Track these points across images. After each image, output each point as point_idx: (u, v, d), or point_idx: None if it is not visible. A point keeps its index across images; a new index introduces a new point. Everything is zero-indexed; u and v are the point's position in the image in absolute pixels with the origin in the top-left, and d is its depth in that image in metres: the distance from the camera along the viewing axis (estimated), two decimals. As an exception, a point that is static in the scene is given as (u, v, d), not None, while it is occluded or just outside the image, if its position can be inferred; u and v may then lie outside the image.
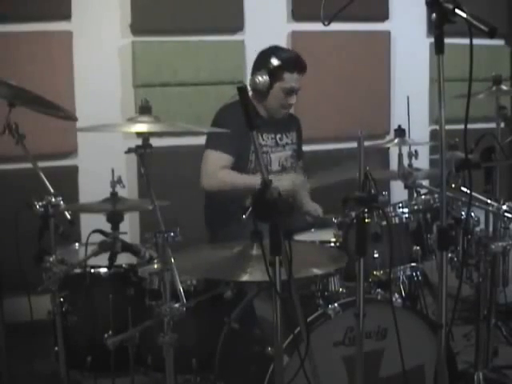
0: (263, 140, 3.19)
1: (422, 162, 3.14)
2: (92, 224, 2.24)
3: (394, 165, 4.04)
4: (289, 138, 3.33)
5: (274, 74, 3.07)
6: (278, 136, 3.28)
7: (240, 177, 3.07)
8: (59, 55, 3.80)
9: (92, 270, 2.63)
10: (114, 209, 2.39)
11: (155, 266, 2.48)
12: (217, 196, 3.11)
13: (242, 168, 3.12)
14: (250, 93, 3.11)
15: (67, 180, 3.79)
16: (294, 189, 3.10)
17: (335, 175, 2.95)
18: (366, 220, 1.87)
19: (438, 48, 1.66)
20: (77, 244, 2.93)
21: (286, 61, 3.09)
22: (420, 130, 4.00)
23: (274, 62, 3.06)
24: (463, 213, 2.63)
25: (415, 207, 2.69)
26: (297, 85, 3.14)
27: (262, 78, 3.06)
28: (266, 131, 3.21)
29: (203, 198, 3.25)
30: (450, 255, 2.57)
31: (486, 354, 2.82)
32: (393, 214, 2.63)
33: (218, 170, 3.05)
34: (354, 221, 1.89)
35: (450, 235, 1.80)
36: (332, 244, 2.57)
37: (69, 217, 2.47)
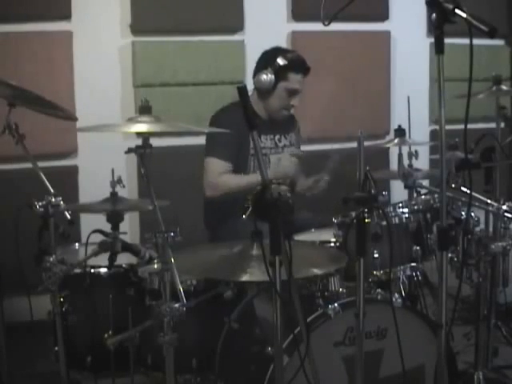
0: (262, 142, 3.19)
1: (422, 162, 3.15)
2: (92, 224, 2.24)
3: (394, 165, 4.05)
4: (287, 140, 3.33)
5: (279, 74, 3.08)
6: (277, 137, 3.29)
7: (241, 178, 3.09)
8: (59, 55, 3.80)
9: (92, 270, 2.63)
10: (114, 209, 2.39)
11: (155, 266, 2.48)
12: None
13: (241, 173, 3.13)
14: (251, 92, 3.12)
15: (67, 180, 3.79)
16: (294, 169, 3.12)
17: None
18: (366, 220, 1.88)
19: (438, 48, 1.66)
20: (77, 244, 2.94)
21: (292, 61, 3.09)
22: (420, 130, 4.00)
23: (281, 61, 3.06)
24: (463, 213, 2.63)
25: (415, 207, 2.69)
26: (300, 86, 3.15)
27: (268, 77, 3.06)
28: (265, 132, 3.21)
29: (203, 198, 3.25)
30: (450, 255, 2.57)
31: (486, 353, 2.82)
32: (393, 214, 2.63)
33: (218, 176, 3.07)
34: (354, 221, 1.89)
35: (450, 235, 1.80)
36: (332, 244, 2.57)
37: (69, 217, 2.47)
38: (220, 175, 3.07)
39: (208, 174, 3.09)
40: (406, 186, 2.93)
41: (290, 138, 3.35)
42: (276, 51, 3.15)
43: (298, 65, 3.13)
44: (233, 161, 3.09)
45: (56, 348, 2.57)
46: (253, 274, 2.00)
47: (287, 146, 3.32)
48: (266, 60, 3.13)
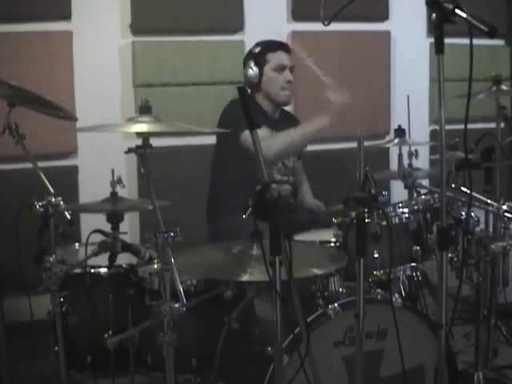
0: None
1: (422, 162, 3.14)
2: (92, 224, 2.24)
3: (394, 165, 4.04)
4: (290, 137, 3.34)
5: (259, 60, 3.18)
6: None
7: (287, 134, 3.13)
8: (59, 55, 3.80)
9: (92, 270, 2.63)
10: (114, 209, 2.39)
11: (155, 266, 2.48)
12: (217, 190, 3.11)
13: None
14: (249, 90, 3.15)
15: (67, 180, 3.79)
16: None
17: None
18: (366, 220, 1.87)
19: (438, 48, 1.66)
20: (77, 244, 2.93)
21: (265, 44, 3.23)
22: (420, 130, 4.00)
23: (255, 49, 3.21)
24: (463, 213, 2.63)
25: (415, 207, 2.69)
26: (286, 62, 3.20)
27: (252, 69, 3.17)
28: (271, 127, 3.22)
29: (204, 194, 3.25)
30: (450, 255, 2.57)
31: (486, 353, 2.82)
32: (393, 214, 2.63)
33: (265, 139, 3.05)
34: (354, 221, 1.89)
35: (449, 235, 1.80)
36: (332, 244, 2.57)
37: (69, 217, 2.47)
38: (265, 138, 3.06)
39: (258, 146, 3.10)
40: (406, 186, 2.93)
41: None
42: (250, 49, 3.29)
43: (272, 44, 3.25)
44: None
45: (56, 348, 2.57)
46: (253, 274, 2.00)
47: None
48: (245, 59, 3.25)
